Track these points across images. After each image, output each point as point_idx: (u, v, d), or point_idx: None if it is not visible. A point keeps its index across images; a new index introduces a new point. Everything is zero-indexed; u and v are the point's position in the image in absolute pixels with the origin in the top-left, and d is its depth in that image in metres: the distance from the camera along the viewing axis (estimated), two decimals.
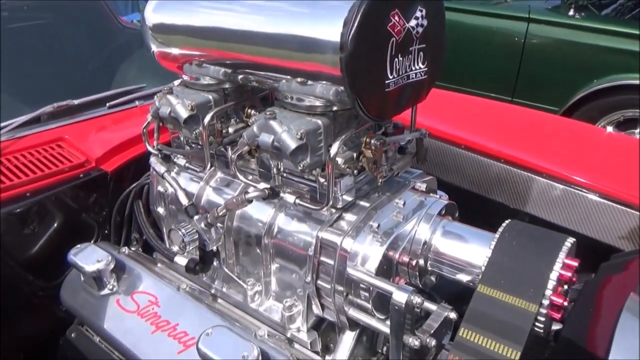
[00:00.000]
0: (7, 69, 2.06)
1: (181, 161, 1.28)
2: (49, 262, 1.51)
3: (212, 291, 1.30)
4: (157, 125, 1.32)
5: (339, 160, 1.02)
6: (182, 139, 1.32)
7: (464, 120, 1.94)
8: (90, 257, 1.27)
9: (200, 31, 1.11)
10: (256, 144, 1.03)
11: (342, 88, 0.92)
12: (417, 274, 1.10)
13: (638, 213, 1.40)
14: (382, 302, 1.04)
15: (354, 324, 1.10)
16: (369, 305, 1.04)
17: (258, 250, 1.18)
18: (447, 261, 1.09)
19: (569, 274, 0.94)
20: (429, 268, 1.11)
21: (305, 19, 0.93)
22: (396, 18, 0.91)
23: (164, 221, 1.39)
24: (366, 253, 1.02)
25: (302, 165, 1.00)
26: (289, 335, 1.15)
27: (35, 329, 1.54)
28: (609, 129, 3.53)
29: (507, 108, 2.20)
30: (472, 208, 1.30)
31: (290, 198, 1.07)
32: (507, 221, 1.06)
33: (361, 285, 1.02)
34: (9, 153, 1.47)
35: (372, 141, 1.02)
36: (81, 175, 1.48)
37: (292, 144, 0.97)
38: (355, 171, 1.06)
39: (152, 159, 1.27)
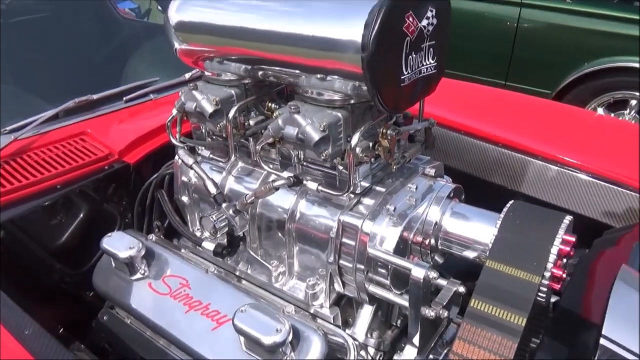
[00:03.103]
0: (18, 66, 2.13)
1: (205, 153, 1.36)
2: (76, 250, 1.60)
3: (237, 273, 1.40)
4: (180, 119, 1.40)
5: (358, 149, 1.11)
6: (204, 131, 1.40)
7: (463, 106, 2.04)
8: (122, 245, 1.35)
9: (224, 30, 1.19)
10: (280, 136, 1.12)
11: (360, 83, 1.01)
12: (429, 252, 1.20)
13: (628, 192, 1.51)
14: (398, 278, 1.14)
15: (372, 299, 1.20)
16: (387, 282, 1.14)
17: (281, 235, 1.27)
18: (456, 240, 1.19)
19: (568, 249, 1.04)
20: (440, 247, 1.21)
21: (327, 21, 1.01)
22: (410, 19, 0.99)
23: (188, 209, 1.48)
24: (384, 234, 1.12)
25: (324, 155, 1.09)
26: (312, 311, 1.25)
27: (65, 313, 1.64)
28: (600, 110, 3.65)
29: (502, 94, 2.30)
30: (472, 190, 1.40)
31: (313, 185, 1.16)
32: (511, 202, 1.16)
33: (379, 264, 1.13)
34: (36, 148, 1.55)
35: (389, 132, 1.11)
36: (106, 168, 1.56)
37: (316, 136, 1.06)
38: (373, 159, 1.15)
39: (180, 152, 1.35)
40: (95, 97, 1.73)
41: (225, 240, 1.29)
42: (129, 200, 1.66)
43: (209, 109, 1.24)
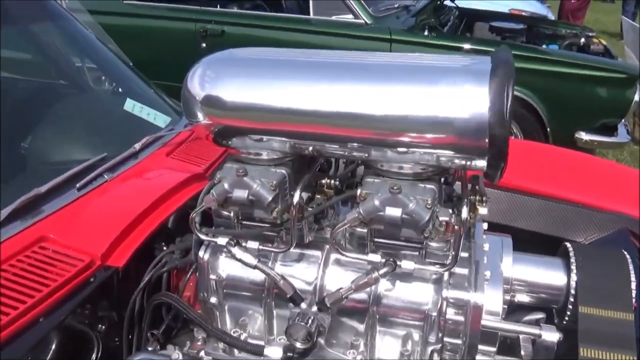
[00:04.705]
0: None
1: (253, 244, 1.15)
2: None
3: None
4: (199, 211, 1.17)
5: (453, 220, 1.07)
6: (232, 215, 1.19)
7: None
8: None
9: (282, 111, 1.04)
10: (371, 217, 1.02)
11: (470, 155, 0.97)
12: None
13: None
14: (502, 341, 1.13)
15: None
16: (494, 349, 1.11)
17: (358, 320, 1.15)
18: (529, 288, 1.22)
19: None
20: (508, 298, 1.23)
21: (439, 98, 0.95)
22: None
23: (218, 310, 1.25)
24: (488, 302, 1.09)
25: (427, 232, 1.02)
26: None
27: None
28: None
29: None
30: None
31: (409, 265, 1.07)
32: (568, 245, 1.24)
33: (487, 331, 1.09)
34: None
35: (484, 198, 1.09)
36: (91, 280, 1.23)
37: (425, 215, 0.99)
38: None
39: (236, 251, 1.12)
40: (42, 189, 1.35)
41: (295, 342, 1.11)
42: (112, 310, 1.33)
43: (269, 195, 1.07)
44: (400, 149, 1.01)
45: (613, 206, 1.71)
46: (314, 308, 1.07)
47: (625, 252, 1.20)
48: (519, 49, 3.96)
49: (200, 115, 1.11)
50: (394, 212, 0.99)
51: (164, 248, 1.41)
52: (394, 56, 1.10)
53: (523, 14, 6.42)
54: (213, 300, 1.23)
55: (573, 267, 1.17)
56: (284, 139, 1.09)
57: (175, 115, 2.01)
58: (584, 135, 3.81)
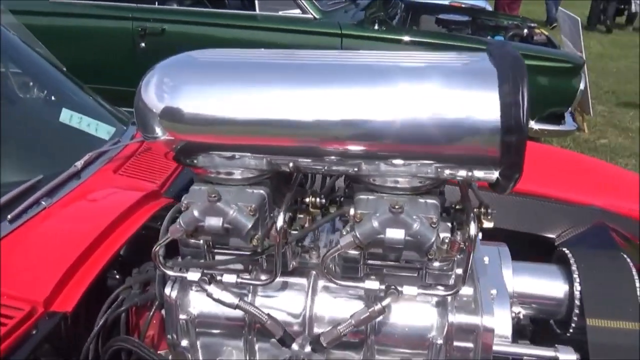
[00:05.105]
0: None
1: (231, 278, 0.99)
2: None
3: None
4: (164, 243, 0.99)
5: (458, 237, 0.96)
6: (201, 243, 1.03)
7: None
8: None
9: (259, 122, 0.89)
10: (369, 241, 0.89)
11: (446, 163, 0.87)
12: None
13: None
14: None
15: None
16: None
17: (354, 351, 1.03)
18: (528, 300, 1.14)
19: None
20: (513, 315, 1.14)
21: (443, 102, 0.83)
22: None
23: (189, 352, 1.08)
24: (497, 323, 0.99)
25: (432, 253, 0.91)
26: None
27: None
28: None
29: None
30: None
31: (412, 290, 0.95)
32: (566, 251, 1.16)
33: (498, 357, 1.00)
34: None
35: (489, 210, 0.98)
36: (33, 332, 1.03)
37: (431, 235, 0.87)
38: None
39: (212, 289, 0.95)
40: None
41: None
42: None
43: (249, 221, 0.92)
44: (397, 161, 0.89)
45: (582, 198, 1.68)
46: (307, 348, 0.93)
47: (626, 256, 1.14)
48: (467, 40, 3.96)
49: (158, 131, 0.93)
50: (396, 234, 0.87)
51: (117, 277, 1.23)
52: (380, 55, 0.97)
53: (463, 6, 6.51)
54: (184, 343, 1.07)
55: (575, 275, 1.10)
56: (259, 154, 0.94)
57: (119, 124, 1.80)
58: (534, 125, 3.86)
